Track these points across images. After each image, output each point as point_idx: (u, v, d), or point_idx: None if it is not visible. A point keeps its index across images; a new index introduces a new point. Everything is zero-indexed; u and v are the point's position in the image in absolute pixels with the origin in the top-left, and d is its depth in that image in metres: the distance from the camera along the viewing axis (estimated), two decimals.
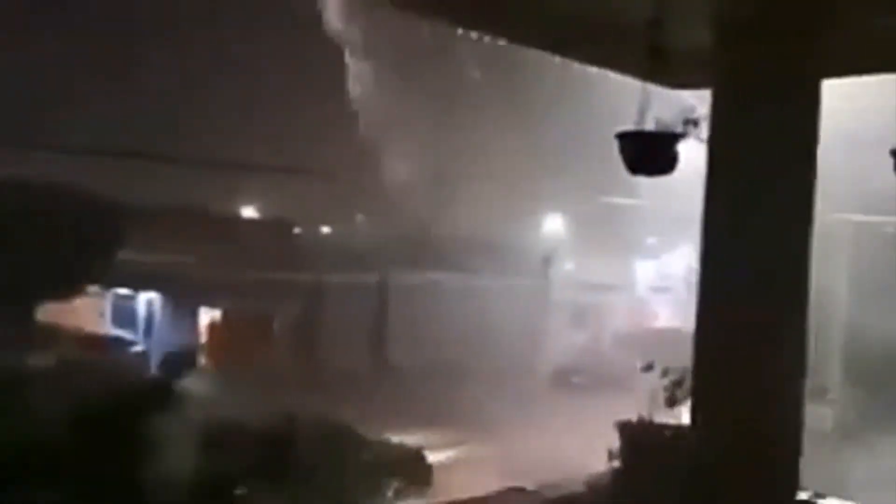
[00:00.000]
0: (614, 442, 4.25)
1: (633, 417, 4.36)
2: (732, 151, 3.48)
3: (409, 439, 13.33)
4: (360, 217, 24.83)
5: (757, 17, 3.33)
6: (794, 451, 3.44)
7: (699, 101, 3.64)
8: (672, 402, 4.25)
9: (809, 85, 3.39)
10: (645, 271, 29.06)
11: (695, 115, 3.44)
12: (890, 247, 14.23)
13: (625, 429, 4.28)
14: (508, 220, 23.21)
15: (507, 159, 21.07)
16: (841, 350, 13.14)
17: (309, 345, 20.54)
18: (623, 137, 3.34)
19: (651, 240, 28.21)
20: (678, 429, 3.91)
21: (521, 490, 4.12)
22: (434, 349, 19.87)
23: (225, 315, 20.61)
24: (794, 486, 3.54)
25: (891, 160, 3.63)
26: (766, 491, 3.37)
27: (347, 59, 20.40)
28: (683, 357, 3.76)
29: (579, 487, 4.22)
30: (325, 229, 24.71)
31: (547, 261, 26.22)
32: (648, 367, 4.37)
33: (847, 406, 13.12)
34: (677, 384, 4.28)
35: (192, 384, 9.19)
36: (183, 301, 19.14)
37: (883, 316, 13.51)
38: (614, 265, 27.06)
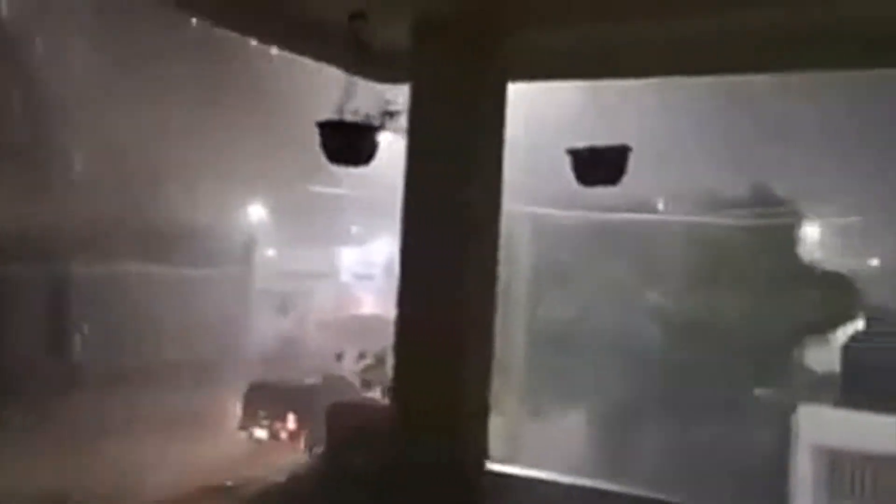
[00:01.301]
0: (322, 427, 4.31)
1: (337, 401, 4.45)
2: (428, 146, 3.65)
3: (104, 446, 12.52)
4: (38, 203, 22.64)
5: (452, 17, 3.55)
6: (483, 428, 3.71)
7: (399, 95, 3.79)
8: (367, 385, 4.40)
9: (497, 86, 3.66)
10: (349, 259, 29.59)
11: (393, 108, 3.57)
12: (567, 238, 15.73)
13: (330, 413, 4.35)
14: (208, 208, 22.43)
15: (207, 147, 20.34)
16: (523, 333, 14.31)
17: None
18: (324, 127, 3.39)
19: (355, 228, 28.77)
20: (379, 409, 4.05)
21: (221, 488, 4.03)
22: (126, 346, 18.72)
23: None
24: (483, 458, 3.82)
25: (568, 158, 4.05)
26: (458, 464, 3.60)
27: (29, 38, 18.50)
28: (386, 342, 3.89)
29: (282, 477, 4.23)
30: None
31: (249, 249, 25.75)
32: (339, 357, 4.48)
33: (529, 386, 14.34)
34: (372, 368, 4.43)
35: None
36: None
37: (560, 302, 14.95)
38: (318, 253, 27.26)
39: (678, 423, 14.88)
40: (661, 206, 16.70)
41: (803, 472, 12.51)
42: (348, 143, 3.43)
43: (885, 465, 11.83)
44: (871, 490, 11.93)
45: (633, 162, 4.24)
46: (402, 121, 3.61)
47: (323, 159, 3.57)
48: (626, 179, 4.25)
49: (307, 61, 4.14)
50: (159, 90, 19.37)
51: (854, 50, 3.82)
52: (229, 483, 4.13)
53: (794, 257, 16.65)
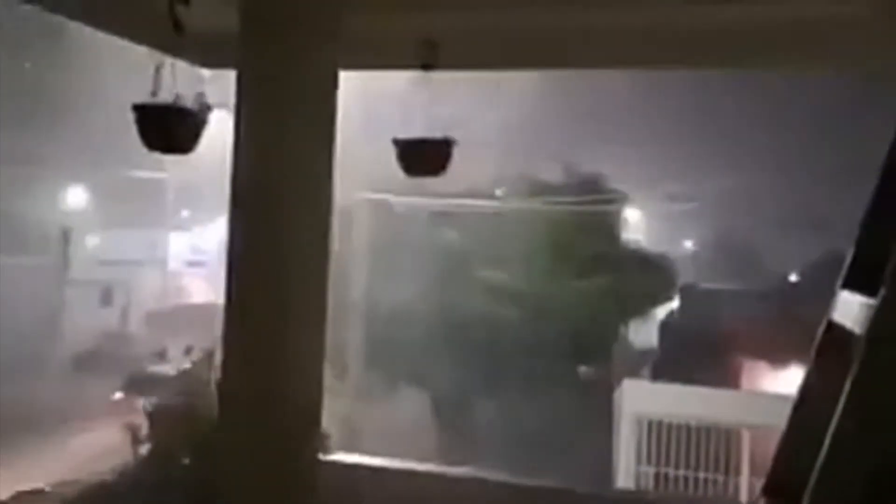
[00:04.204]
0: (144, 427, 4.13)
1: (161, 401, 4.28)
2: (256, 133, 3.56)
3: None
4: None
5: (278, 2, 3.47)
6: (316, 417, 3.67)
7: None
8: (196, 381, 4.26)
9: (328, 75, 3.61)
10: (178, 246, 28.45)
11: (205, 98, 3.43)
12: (399, 223, 15.87)
13: (153, 412, 4.18)
14: (22, 195, 20.95)
15: (22, 132, 18.97)
16: (359, 319, 14.32)
17: None
18: (140, 110, 3.23)
19: (185, 213, 27.72)
20: (206, 408, 3.93)
21: (39, 492, 3.78)
22: None
23: None
24: (318, 449, 3.79)
25: (394, 147, 4.08)
26: (292, 457, 3.55)
27: None
28: (218, 332, 3.77)
29: (105, 478, 4.02)
30: None
31: (66, 237, 24.26)
32: (161, 354, 4.31)
33: (363, 371, 14.38)
34: (201, 361, 4.29)
35: None
36: None
37: (394, 285, 15.05)
38: (143, 239, 26.06)
39: (509, 401, 15.39)
40: (498, 192, 17.16)
41: (625, 441, 13.24)
42: (170, 128, 3.27)
43: (694, 431, 12.72)
44: (682, 454, 12.80)
45: (469, 149, 4.32)
46: (223, 106, 3.49)
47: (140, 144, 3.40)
48: (462, 166, 4.34)
49: (122, 44, 3.93)
50: None
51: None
52: (47, 487, 3.89)
53: (617, 240, 17.57)
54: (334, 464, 4.37)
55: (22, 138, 19.01)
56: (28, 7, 3.81)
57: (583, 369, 16.77)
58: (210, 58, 3.86)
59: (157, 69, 3.19)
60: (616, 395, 13.86)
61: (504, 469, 5.15)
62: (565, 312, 15.65)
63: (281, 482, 3.49)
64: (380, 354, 14.79)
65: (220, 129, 3.58)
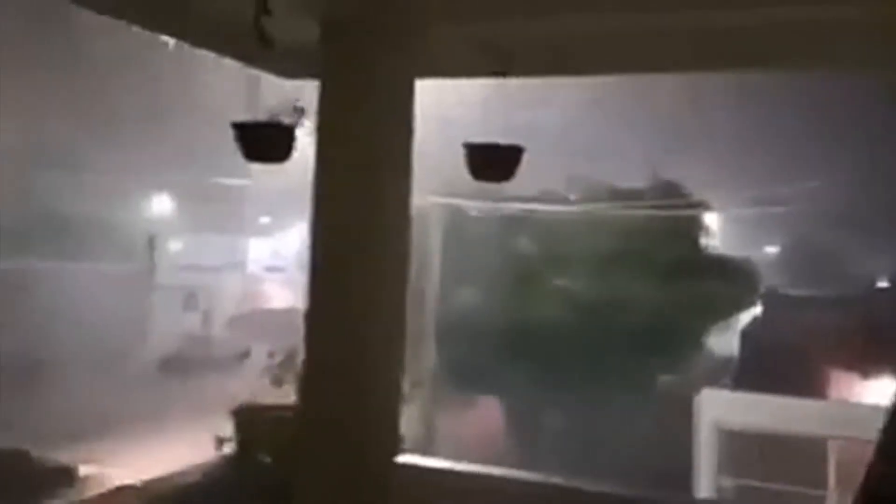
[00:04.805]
0: (227, 428, 4.25)
1: (246, 400, 4.40)
2: (338, 140, 3.65)
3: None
4: None
5: (358, 15, 3.55)
6: (394, 420, 3.73)
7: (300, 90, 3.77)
8: (278, 382, 4.36)
9: (405, 83, 3.68)
10: (258, 251, 29.11)
11: (300, 104, 3.54)
12: (474, 228, 15.91)
13: (237, 413, 4.30)
14: (111, 202, 21.76)
15: (111, 139, 19.71)
16: (434, 324, 14.40)
17: None
18: (240, 128, 3.35)
19: (264, 219, 28.32)
20: (288, 408, 4.02)
21: (131, 487, 3.94)
22: (22, 345, 18.01)
23: None
24: (395, 452, 3.84)
25: (463, 151, 4.12)
26: (370, 459, 3.62)
27: None
28: (298, 336, 3.87)
29: (193, 477, 4.16)
30: None
31: (152, 243, 25.08)
32: (245, 355, 4.43)
33: (438, 374, 14.45)
34: (283, 364, 4.39)
35: None
36: None
37: (466, 290, 15.09)
38: (224, 245, 26.73)
39: (586, 409, 15.25)
40: (571, 196, 17.04)
41: (705, 452, 12.99)
42: (267, 142, 3.41)
43: (776, 442, 12.39)
44: (764, 465, 12.48)
45: (539, 154, 4.32)
46: (310, 116, 3.59)
47: (226, 152, 3.53)
48: (534, 171, 4.34)
49: (210, 57, 4.07)
50: (63, 93, 18.71)
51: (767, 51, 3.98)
52: (138, 483, 4.06)
53: (698, 246, 17.23)
54: (408, 466, 4.42)
55: (109, 147, 19.73)
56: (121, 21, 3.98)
57: (661, 378, 16.49)
58: (292, 69, 3.97)
59: (251, 83, 3.31)
60: (695, 404, 13.60)
61: (578, 476, 5.12)
62: (643, 320, 15.42)
63: (358, 484, 3.56)
64: (452, 360, 14.84)
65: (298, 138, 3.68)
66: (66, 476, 12.28)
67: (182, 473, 4.12)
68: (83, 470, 12.66)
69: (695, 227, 17.13)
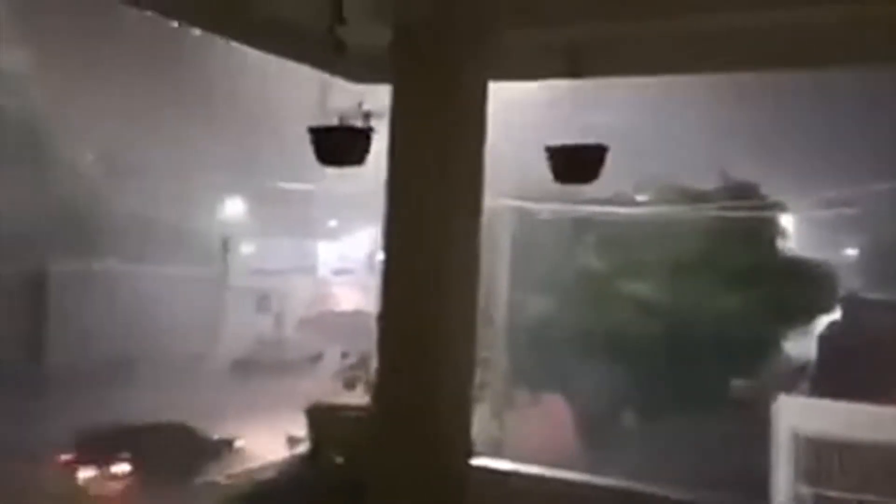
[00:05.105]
0: (301, 427, 4.32)
1: (319, 401, 4.46)
2: (410, 143, 3.67)
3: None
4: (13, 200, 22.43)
5: (429, 20, 3.56)
6: (466, 423, 3.74)
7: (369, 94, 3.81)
8: (351, 385, 4.40)
9: (477, 85, 3.68)
10: (326, 254, 29.46)
11: (369, 109, 3.57)
12: (543, 230, 15.79)
13: (311, 413, 4.36)
14: (185, 205, 22.28)
15: (183, 144, 20.21)
16: (503, 327, 14.35)
17: None
18: (316, 132, 3.40)
19: (332, 223, 28.63)
20: (361, 409, 4.06)
21: (212, 483, 4.04)
22: (104, 345, 18.58)
23: None
24: (468, 454, 3.85)
25: (545, 154, 4.08)
26: (443, 461, 3.63)
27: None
28: (368, 338, 3.90)
29: (270, 475, 4.24)
30: None
31: (226, 246, 25.62)
32: (318, 357, 4.49)
33: (507, 377, 14.39)
34: (356, 366, 4.44)
35: None
36: None
37: (536, 294, 15.00)
38: (294, 248, 27.11)
39: (659, 414, 15.00)
40: (640, 198, 16.76)
41: (783, 460, 12.65)
42: (344, 145, 3.44)
43: (855, 451, 12.00)
44: (843, 474, 12.09)
45: (611, 156, 4.27)
46: (378, 119, 3.62)
47: (299, 156, 3.58)
48: (605, 173, 4.28)
49: (278, 60, 4.14)
50: (141, 99, 19.25)
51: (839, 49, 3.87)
52: (222, 479, 4.17)
53: (773, 249, 16.78)
54: (479, 468, 4.42)
55: (184, 152, 20.23)
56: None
57: (736, 384, 16.11)
58: (363, 73, 4.01)
59: (323, 89, 3.35)
60: (772, 410, 13.25)
61: (651, 482, 5.04)
62: (717, 324, 15.08)
63: (431, 485, 3.57)
64: (522, 364, 14.75)
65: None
66: (228, 447, 13.87)
67: (259, 470, 4.20)
68: (237, 443, 14.09)
69: (770, 229, 16.67)
